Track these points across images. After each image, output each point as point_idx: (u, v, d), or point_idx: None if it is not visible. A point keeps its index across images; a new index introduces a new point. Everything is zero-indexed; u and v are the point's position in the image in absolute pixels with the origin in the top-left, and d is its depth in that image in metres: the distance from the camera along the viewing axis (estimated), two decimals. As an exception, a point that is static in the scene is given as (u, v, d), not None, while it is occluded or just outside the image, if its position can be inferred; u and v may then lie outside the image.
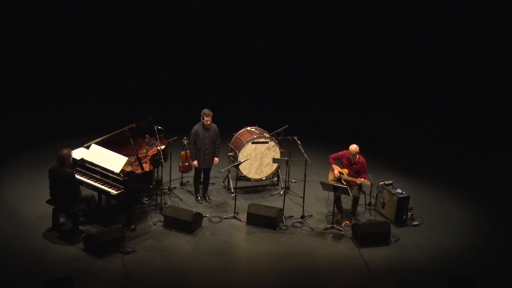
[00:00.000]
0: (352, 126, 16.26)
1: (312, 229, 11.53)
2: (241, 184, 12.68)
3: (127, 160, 11.02)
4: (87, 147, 11.31)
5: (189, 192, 12.56)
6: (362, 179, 11.49)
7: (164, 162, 11.83)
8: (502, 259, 10.95)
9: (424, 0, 16.80)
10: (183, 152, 12.24)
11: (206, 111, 11.85)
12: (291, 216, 11.89)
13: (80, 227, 10.86)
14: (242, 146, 12.39)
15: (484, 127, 16.29)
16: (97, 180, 11.01)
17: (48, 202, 10.79)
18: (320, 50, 17.84)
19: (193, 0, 17.45)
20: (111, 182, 10.89)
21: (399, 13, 16.40)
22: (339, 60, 17.82)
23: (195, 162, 12.06)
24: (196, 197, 12.34)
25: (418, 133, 16.21)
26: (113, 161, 10.89)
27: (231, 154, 12.66)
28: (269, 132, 12.82)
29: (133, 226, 11.09)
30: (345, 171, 11.73)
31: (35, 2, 16.68)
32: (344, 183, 11.60)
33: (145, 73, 17.61)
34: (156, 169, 11.93)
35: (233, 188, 12.48)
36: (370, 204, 12.27)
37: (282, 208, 11.72)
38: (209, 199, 12.36)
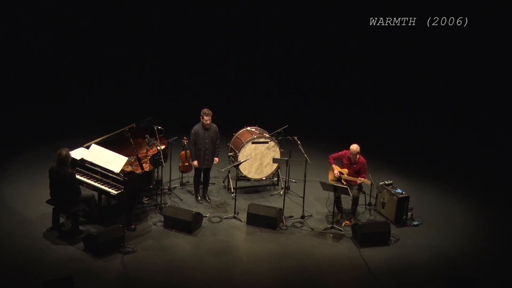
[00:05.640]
0: (352, 126, 16.25)
1: (312, 229, 11.52)
2: (241, 184, 12.67)
3: (127, 160, 11.02)
4: (87, 147, 11.31)
5: (189, 192, 12.56)
6: (362, 179, 11.50)
7: (164, 162, 11.83)
8: (502, 259, 10.94)
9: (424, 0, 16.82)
10: (183, 152, 12.24)
11: (205, 110, 11.85)
12: (291, 216, 11.88)
13: (80, 227, 10.86)
14: (242, 146, 12.39)
15: (484, 127, 16.28)
16: (97, 180, 11.01)
17: (48, 202, 10.79)
18: (320, 50, 17.83)
19: (194, 0, 17.45)
20: (111, 182, 10.89)
21: (398, 13, 16.38)
22: (339, 60, 17.80)
23: (195, 162, 12.05)
24: (196, 197, 12.33)
25: (418, 133, 16.20)
26: (113, 161, 10.89)
27: (231, 154, 12.66)
28: (269, 132, 12.82)
29: (133, 226, 11.09)
30: (345, 171, 11.72)
31: (36, 2, 16.68)
32: (344, 183, 11.60)
33: (145, 73, 17.60)
34: (156, 169, 11.93)
35: (233, 188, 12.47)
36: (370, 204, 12.26)
37: (282, 208, 11.72)
38: (209, 199, 12.35)
